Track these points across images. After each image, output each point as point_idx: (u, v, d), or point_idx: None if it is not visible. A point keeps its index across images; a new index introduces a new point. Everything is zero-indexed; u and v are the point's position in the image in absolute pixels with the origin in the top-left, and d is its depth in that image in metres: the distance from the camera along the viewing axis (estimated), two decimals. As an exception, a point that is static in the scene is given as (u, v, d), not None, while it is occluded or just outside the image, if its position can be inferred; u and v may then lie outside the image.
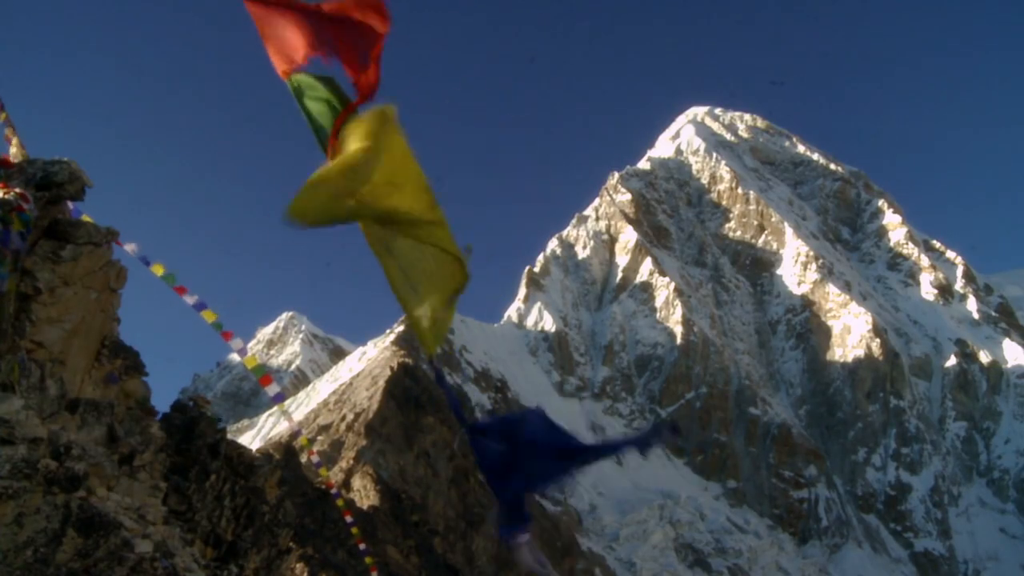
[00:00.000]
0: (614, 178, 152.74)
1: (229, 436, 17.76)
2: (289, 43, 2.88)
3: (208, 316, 12.06)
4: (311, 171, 2.65)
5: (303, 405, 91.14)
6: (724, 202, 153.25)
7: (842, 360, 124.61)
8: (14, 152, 10.73)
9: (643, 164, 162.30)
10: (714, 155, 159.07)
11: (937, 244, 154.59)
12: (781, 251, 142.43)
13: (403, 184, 2.74)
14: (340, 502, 19.43)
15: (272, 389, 12.73)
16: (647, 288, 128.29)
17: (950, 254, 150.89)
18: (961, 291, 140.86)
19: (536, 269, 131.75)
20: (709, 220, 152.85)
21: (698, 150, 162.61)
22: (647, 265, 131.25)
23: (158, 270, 11.66)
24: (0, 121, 10.76)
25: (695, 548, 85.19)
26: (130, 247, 11.15)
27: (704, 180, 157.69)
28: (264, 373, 12.57)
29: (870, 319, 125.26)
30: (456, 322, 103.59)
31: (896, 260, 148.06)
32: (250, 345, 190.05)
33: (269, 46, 2.91)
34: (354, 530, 19.22)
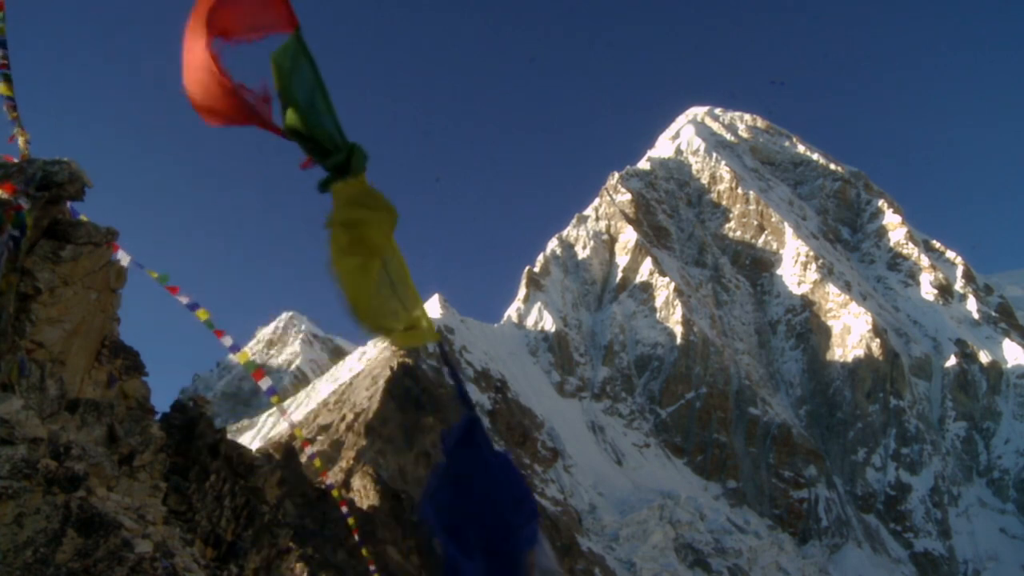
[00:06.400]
0: (614, 178, 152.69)
1: (229, 436, 17.76)
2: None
3: (201, 315, 12.07)
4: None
5: (303, 405, 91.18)
6: (724, 202, 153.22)
7: (842, 360, 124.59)
8: (21, 144, 10.75)
9: (643, 164, 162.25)
10: (714, 155, 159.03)
11: (937, 244, 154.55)
12: (781, 251, 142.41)
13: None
14: (336, 493, 19.47)
15: (265, 383, 12.72)
16: (647, 288, 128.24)
17: (950, 254, 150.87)
18: (961, 291, 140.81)
19: (536, 269, 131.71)
20: (709, 220, 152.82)
21: (698, 150, 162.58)
22: (647, 265, 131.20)
23: (153, 273, 11.68)
24: (11, 120, 10.79)
25: (695, 548, 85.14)
26: (122, 255, 11.17)
27: (704, 180, 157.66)
28: (257, 368, 12.57)
29: (870, 319, 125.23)
30: (456, 322, 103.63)
31: (896, 260, 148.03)
32: (250, 345, 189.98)
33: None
34: (351, 520, 19.25)
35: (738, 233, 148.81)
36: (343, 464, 50.43)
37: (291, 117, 2.33)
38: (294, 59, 2.31)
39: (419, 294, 2.56)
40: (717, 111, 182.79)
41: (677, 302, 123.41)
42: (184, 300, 12.04)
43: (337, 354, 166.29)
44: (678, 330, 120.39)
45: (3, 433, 5.77)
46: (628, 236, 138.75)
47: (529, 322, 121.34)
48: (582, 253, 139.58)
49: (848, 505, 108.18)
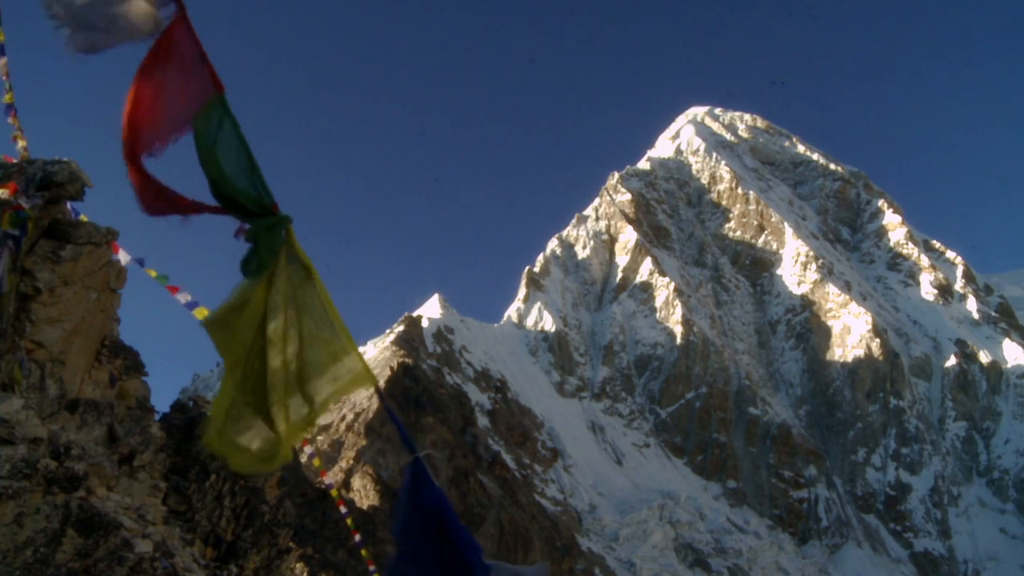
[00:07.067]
0: (614, 178, 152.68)
1: (229, 436, 17.69)
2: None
3: (200, 314, 12.09)
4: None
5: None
6: (724, 202, 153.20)
7: (842, 360, 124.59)
8: (21, 148, 10.78)
9: (643, 164, 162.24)
10: (714, 155, 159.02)
11: (937, 244, 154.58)
12: (781, 251, 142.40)
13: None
14: (335, 493, 19.52)
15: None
16: (647, 288, 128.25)
17: (950, 254, 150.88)
18: (961, 291, 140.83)
19: (536, 269, 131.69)
20: (709, 220, 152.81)
21: (698, 150, 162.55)
22: (647, 265, 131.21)
23: (153, 273, 11.70)
24: (14, 127, 10.80)
25: (695, 548, 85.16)
26: (122, 254, 11.18)
27: (704, 180, 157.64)
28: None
29: (870, 319, 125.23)
30: (456, 322, 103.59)
31: (896, 260, 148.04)
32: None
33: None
34: (349, 520, 19.34)
35: (738, 233, 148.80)
36: (343, 464, 50.47)
37: (222, 183, 2.34)
38: (219, 120, 2.31)
39: (351, 339, 2.54)
40: (717, 111, 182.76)
41: (677, 302, 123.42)
42: (184, 299, 12.06)
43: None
44: (678, 330, 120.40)
45: (3, 433, 5.77)
46: (628, 236, 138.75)
47: (529, 322, 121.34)
48: (582, 253, 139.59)
49: (848, 505, 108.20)
